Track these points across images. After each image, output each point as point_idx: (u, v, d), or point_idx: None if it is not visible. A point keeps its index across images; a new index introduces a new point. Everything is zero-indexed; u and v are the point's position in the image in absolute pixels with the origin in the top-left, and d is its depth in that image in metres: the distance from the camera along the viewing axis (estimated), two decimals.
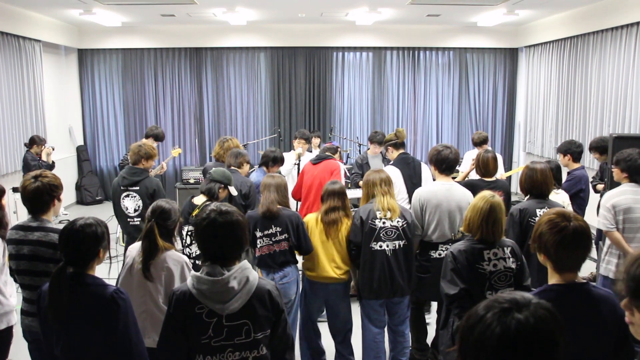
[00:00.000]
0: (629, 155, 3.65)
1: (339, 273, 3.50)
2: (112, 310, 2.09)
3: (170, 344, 1.96)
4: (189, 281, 1.94)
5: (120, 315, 2.10)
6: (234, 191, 3.68)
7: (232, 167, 4.32)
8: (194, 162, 9.77)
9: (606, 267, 3.73)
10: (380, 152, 5.75)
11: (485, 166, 4.20)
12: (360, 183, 5.31)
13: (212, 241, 1.93)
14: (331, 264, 3.49)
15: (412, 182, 4.52)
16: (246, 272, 1.93)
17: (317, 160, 4.80)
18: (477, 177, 4.36)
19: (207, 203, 3.47)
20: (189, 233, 3.48)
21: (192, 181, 7.70)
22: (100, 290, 2.12)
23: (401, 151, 4.74)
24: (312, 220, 3.57)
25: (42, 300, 2.16)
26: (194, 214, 3.44)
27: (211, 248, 1.94)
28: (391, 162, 4.76)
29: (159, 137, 6.03)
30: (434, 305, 4.47)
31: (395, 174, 4.64)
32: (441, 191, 3.60)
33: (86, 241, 2.13)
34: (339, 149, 5.41)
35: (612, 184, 4.17)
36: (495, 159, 4.24)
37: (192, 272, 1.96)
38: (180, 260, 2.70)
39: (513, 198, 9.13)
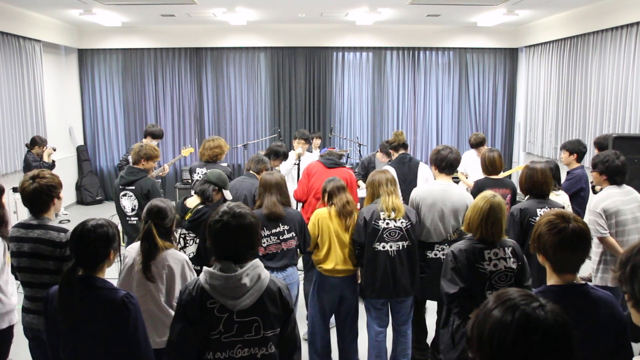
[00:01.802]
0: (606, 157, 3.54)
1: (352, 264, 3.51)
2: (123, 314, 2.08)
3: (180, 339, 1.93)
4: (201, 276, 1.96)
5: (130, 320, 2.09)
6: (228, 195, 3.62)
7: (252, 172, 4.25)
8: (194, 162, 9.74)
9: (602, 276, 3.59)
10: (389, 160, 5.82)
11: (492, 164, 4.25)
12: (361, 183, 5.33)
13: (226, 243, 1.95)
14: (347, 257, 3.49)
15: (406, 180, 4.54)
16: (258, 270, 1.96)
17: (332, 165, 4.51)
18: (483, 176, 4.39)
19: (200, 207, 3.44)
20: (183, 236, 3.45)
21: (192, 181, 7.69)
22: (110, 294, 2.11)
23: (401, 152, 4.78)
24: (324, 214, 3.51)
25: (49, 303, 2.14)
26: (187, 217, 3.41)
27: (224, 249, 1.96)
28: (389, 162, 4.80)
29: (154, 135, 6.00)
30: (430, 305, 4.48)
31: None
32: (437, 191, 3.60)
33: (97, 242, 2.12)
34: (343, 156, 5.39)
35: None
36: (500, 156, 4.33)
37: (205, 267, 1.96)
38: (180, 258, 2.71)
39: (516, 201, 9.14)
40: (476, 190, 4.10)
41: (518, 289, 1.24)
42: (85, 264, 2.13)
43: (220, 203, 3.62)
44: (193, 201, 3.51)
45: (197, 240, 3.40)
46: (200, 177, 4.79)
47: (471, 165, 6.17)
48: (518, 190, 4.03)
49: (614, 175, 3.54)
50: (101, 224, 2.16)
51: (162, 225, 2.70)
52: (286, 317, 2.01)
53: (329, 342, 3.73)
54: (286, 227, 3.40)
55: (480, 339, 1.19)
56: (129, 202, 4.27)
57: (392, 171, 4.63)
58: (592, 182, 5.08)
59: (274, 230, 3.39)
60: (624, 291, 1.44)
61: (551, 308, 1.18)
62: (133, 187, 4.25)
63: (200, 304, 1.92)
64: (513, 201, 4.33)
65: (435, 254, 3.58)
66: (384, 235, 3.36)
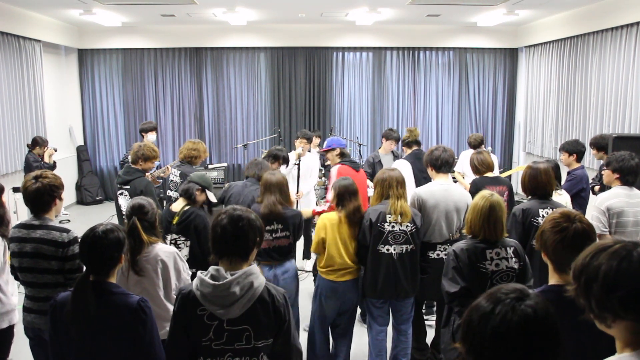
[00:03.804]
0: (621, 156, 3.57)
1: (354, 271, 3.51)
2: (140, 319, 2.06)
3: (175, 343, 1.97)
4: (194, 282, 1.94)
5: (147, 325, 2.07)
6: (212, 197, 3.63)
7: (254, 178, 4.11)
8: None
9: None
10: (392, 151, 5.85)
11: (483, 164, 4.32)
12: (369, 182, 5.35)
13: (225, 240, 1.95)
14: (351, 263, 3.47)
15: (423, 176, 4.63)
16: (251, 278, 1.91)
17: (358, 167, 4.64)
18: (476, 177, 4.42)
19: (186, 208, 3.44)
20: (173, 241, 3.44)
21: None
22: (125, 299, 2.08)
23: (415, 148, 4.84)
24: (333, 219, 3.45)
25: (57, 310, 2.08)
26: (174, 222, 3.39)
27: (223, 247, 1.95)
28: (404, 157, 4.86)
29: (145, 130, 6.15)
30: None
31: (405, 167, 4.78)
32: (439, 191, 3.60)
33: (110, 248, 2.10)
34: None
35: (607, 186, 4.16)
36: (488, 153, 4.39)
37: (198, 273, 1.95)
38: (171, 251, 2.75)
39: (514, 198, 9.15)
40: (474, 189, 4.10)
41: (515, 285, 1.26)
42: (97, 270, 2.10)
43: (205, 204, 3.66)
44: (178, 205, 3.50)
45: (188, 243, 3.39)
46: (173, 177, 4.82)
47: (469, 165, 6.20)
48: (519, 190, 4.05)
49: (626, 174, 3.55)
50: (111, 229, 2.14)
51: (146, 219, 2.72)
52: (279, 327, 1.97)
53: (329, 348, 3.70)
54: (280, 226, 3.44)
55: (462, 325, 1.24)
56: (124, 202, 4.30)
57: (407, 166, 4.74)
58: (591, 184, 5.11)
59: (267, 228, 3.40)
60: (581, 304, 1.29)
61: (532, 302, 1.19)
62: (128, 187, 4.29)
63: (190, 310, 1.91)
64: (510, 198, 4.35)
65: (438, 254, 3.58)
66: (389, 238, 3.35)
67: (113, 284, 2.13)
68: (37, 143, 6.83)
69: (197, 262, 3.30)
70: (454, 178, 5.19)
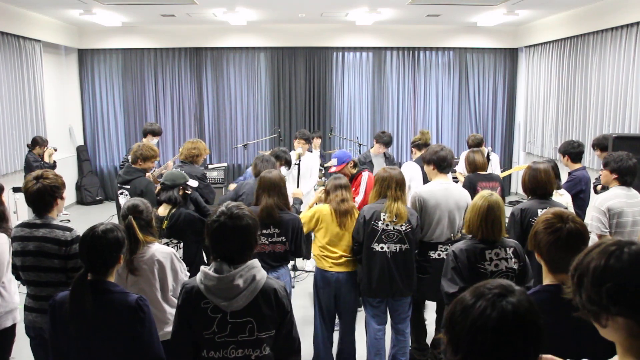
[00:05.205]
0: (619, 156, 3.58)
1: (350, 263, 3.52)
2: (139, 318, 2.07)
3: (180, 337, 1.99)
4: (197, 276, 1.98)
5: (146, 323, 2.08)
6: (193, 183, 3.63)
7: None
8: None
9: None
10: (384, 153, 5.87)
11: (472, 163, 4.41)
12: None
13: (222, 243, 1.96)
14: (344, 254, 3.50)
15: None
16: (253, 271, 1.96)
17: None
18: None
19: (173, 211, 3.42)
20: (165, 244, 3.40)
21: None
22: (124, 297, 2.09)
23: (424, 151, 4.88)
24: (325, 211, 3.52)
25: (57, 309, 2.09)
26: (164, 226, 3.36)
27: (220, 249, 1.97)
28: (414, 160, 4.94)
29: (154, 132, 6.09)
30: (430, 305, 4.48)
31: (414, 170, 4.81)
32: (440, 191, 3.61)
33: (109, 247, 2.11)
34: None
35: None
36: (482, 154, 4.46)
37: (202, 267, 1.98)
38: (168, 251, 2.74)
39: (513, 198, 9.17)
40: (468, 184, 4.22)
41: (501, 280, 1.27)
42: (96, 269, 2.11)
43: (189, 197, 3.66)
44: (164, 209, 3.45)
45: (181, 245, 3.37)
46: None
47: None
48: (519, 190, 4.06)
49: (625, 175, 3.55)
50: (110, 228, 2.15)
51: (142, 218, 2.72)
52: (281, 318, 2.00)
53: (331, 341, 3.73)
54: (276, 231, 3.35)
55: (458, 333, 1.24)
56: (124, 201, 4.30)
57: (417, 168, 4.79)
58: (594, 183, 5.11)
59: (264, 231, 3.33)
60: (575, 302, 1.28)
61: (514, 300, 1.19)
62: (128, 187, 4.31)
63: (194, 304, 1.94)
64: (502, 194, 4.39)
65: (439, 254, 3.59)
66: (382, 237, 3.36)
67: (112, 283, 2.14)
68: (37, 143, 6.83)
69: (190, 264, 3.24)
70: (455, 178, 5.21)
